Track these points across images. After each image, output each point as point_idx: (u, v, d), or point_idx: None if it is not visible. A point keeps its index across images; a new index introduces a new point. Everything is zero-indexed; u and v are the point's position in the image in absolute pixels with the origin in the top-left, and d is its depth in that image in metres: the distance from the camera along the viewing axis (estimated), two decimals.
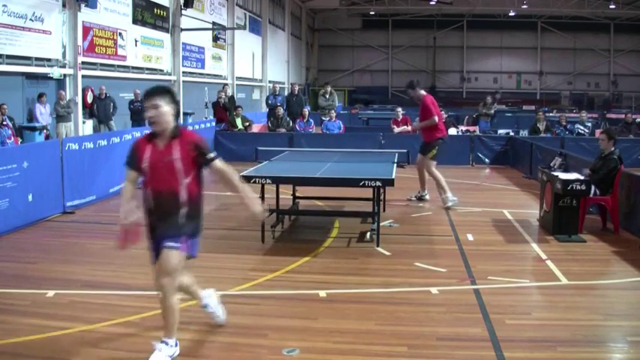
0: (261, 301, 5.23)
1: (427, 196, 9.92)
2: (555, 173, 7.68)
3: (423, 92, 9.75)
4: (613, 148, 7.88)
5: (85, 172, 9.19)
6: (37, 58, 14.54)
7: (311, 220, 8.48)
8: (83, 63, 16.02)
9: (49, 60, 15.00)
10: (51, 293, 5.33)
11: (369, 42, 44.05)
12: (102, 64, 17.41)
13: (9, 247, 6.93)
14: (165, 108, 3.99)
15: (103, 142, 9.81)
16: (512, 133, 16.67)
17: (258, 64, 31.94)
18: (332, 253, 6.83)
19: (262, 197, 7.10)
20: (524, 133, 16.62)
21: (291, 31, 37.63)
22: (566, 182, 7.21)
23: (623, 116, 18.75)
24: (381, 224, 7.45)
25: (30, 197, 7.86)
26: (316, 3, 40.19)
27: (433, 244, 7.29)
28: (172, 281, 3.98)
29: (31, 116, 13.91)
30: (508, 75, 43.74)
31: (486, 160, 14.88)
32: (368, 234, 7.43)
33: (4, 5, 13.15)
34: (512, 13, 39.32)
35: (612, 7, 36.17)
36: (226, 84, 22.52)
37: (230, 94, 18.42)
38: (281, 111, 16.19)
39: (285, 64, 36.57)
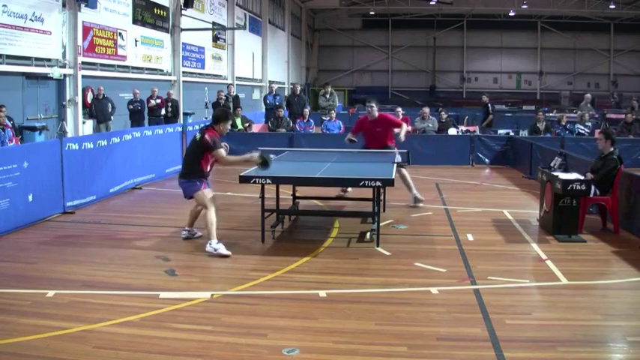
0: (261, 301, 5.23)
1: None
2: (555, 173, 7.68)
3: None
4: (612, 149, 7.88)
5: (85, 172, 9.19)
6: (37, 58, 14.54)
7: (311, 220, 8.48)
8: (83, 63, 16.02)
9: (49, 60, 15.00)
10: (51, 293, 5.33)
11: (369, 42, 44.04)
12: (102, 64, 17.41)
13: (9, 247, 6.93)
14: None
15: (103, 142, 9.81)
16: (512, 133, 16.67)
17: (258, 64, 31.94)
18: (332, 253, 6.83)
19: (262, 197, 7.10)
20: (524, 133, 16.62)
21: (291, 31, 37.62)
22: (566, 182, 7.21)
23: (623, 116, 18.74)
24: (384, 224, 7.48)
25: (30, 197, 7.86)
26: (316, 3, 40.17)
27: (433, 244, 7.30)
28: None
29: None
30: (508, 75, 43.73)
31: (486, 160, 14.88)
32: (368, 234, 7.43)
33: (4, 5, 13.15)
34: (512, 13, 39.31)
35: (612, 7, 36.15)
36: (231, 84, 22.53)
37: (235, 93, 18.41)
38: (282, 112, 16.18)
39: (285, 64, 36.56)
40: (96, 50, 16.91)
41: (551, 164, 8.28)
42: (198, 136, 6.78)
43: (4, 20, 13.23)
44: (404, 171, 9.35)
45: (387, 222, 8.18)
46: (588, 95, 18.96)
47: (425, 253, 6.83)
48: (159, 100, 17.10)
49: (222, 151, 6.75)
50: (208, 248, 6.54)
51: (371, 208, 7.37)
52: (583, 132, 15.81)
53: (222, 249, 6.51)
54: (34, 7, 14.15)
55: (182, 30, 21.83)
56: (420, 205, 9.41)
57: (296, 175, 7.64)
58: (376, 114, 9.43)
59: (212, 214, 6.62)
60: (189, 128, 13.49)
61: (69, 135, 14.92)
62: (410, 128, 15.65)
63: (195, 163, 6.78)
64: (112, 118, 16.00)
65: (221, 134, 6.87)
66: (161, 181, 11.70)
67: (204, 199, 6.73)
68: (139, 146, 11.02)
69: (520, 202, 10.09)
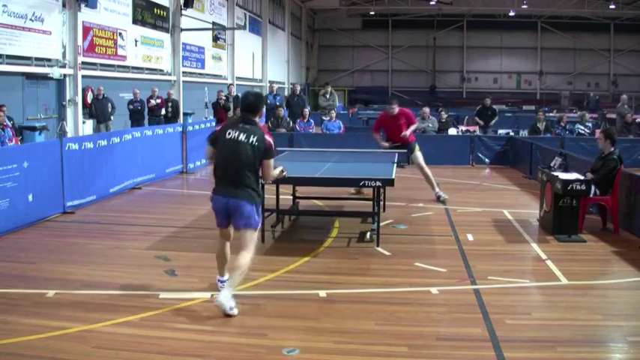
0: (261, 301, 5.23)
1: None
2: (555, 173, 7.68)
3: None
4: (612, 149, 7.87)
5: (85, 172, 9.19)
6: (37, 58, 14.55)
7: (311, 220, 8.47)
8: (83, 63, 16.03)
9: (49, 60, 15.01)
10: (51, 293, 5.33)
11: (369, 42, 44.05)
12: (102, 64, 17.41)
13: (9, 247, 6.93)
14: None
15: (103, 142, 9.81)
16: (512, 133, 16.66)
17: (258, 64, 31.95)
18: (332, 253, 6.83)
19: (262, 197, 7.08)
20: (524, 133, 16.62)
21: (291, 31, 37.63)
22: (566, 182, 7.21)
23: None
24: (384, 224, 7.49)
25: (30, 197, 7.86)
26: (316, 3, 40.19)
27: (433, 244, 7.29)
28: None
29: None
30: (508, 75, 43.74)
31: (486, 160, 14.88)
32: (368, 234, 7.43)
33: (4, 5, 13.16)
34: (512, 13, 39.33)
35: (612, 7, 36.18)
36: (232, 84, 22.54)
37: (235, 93, 18.42)
38: (282, 112, 16.17)
39: (285, 64, 36.57)
40: (96, 50, 16.91)
41: (551, 164, 8.28)
42: (253, 139, 4.93)
43: (4, 20, 13.24)
44: (427, 169, 9.92)
45: (387, 222, 8.18)
46: (624, 96, 18.71)
47: (425, 253, 6.83)
48: (159, 100, 17.11)
49: (272, 163, 5.17)
50: (224, 301, 4.79)
51: (371, 208, 7.37)
52: (583, 132, 15.81)
53: (235, 310, 4.85)
54: (34, 7, 14.15)
55: (182, 30, 21.84)
56: (442, 200, 9.79)
57: (296, 175, 7.62)
58: (396, 110, 9.90)
59: (250, 260, 5.02)
60: (190, 128, 13.49)
61: (69, 135, 14.92)
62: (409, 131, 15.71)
63: (258, 180, 5.09)
64: (112, 118, 16.01)
65: None
66: (161, 181, 11.70)
67: (254, 240, 5.06)
68: (139, 146, 11.02)
69: (520, 202, 10.08)
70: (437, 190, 9.97)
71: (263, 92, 28.36)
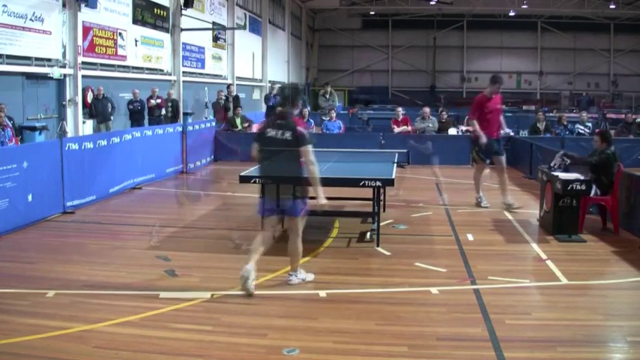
0: (261, 301, 5.23)
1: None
2: (555, 173, 7.68)
3: (486, 90, 9.23)
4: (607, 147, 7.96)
5: (85, 172, 9.18)
6: (37, 58, 14.52)
7: (311, 220, 8.43)
8: (83, 63, 16.00)
9: (49, 60, 14.98)
10: (51, 293, 5.33)
11: (369, 42, 44.01)
12: (102, 64, 17.40)
13: (9, 247, 6.93)
14: None
15: (103, 142, 9.81)
16: (512, 133, 16.65)
17: (258, 64, 31.91)
18: (332, 253, 6.84)
19: (262, 197, 7.08)
20: (524, 133, 16.61)
21: (291, 31, 37.61)
22: (566, 182, 7.22)
23: (623, 116, 18.74)
24: (384, 224, 7.47)
25: (30, 197, 7.85)
26: (316, 3, 40.15)
27: (433, 244, 7.30)
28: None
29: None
30: (508, 75, 43.55)
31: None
32: (368, 234, 7.43)
33: (4, 5, 13.14)
34: (512, 13, 39.27)
35: (612, 7, 36.13)
36: (231, 84, 22.51)
37: (235, 93, 18.41)
38: None
39: (285, 64, 36.54)
40: (96, 50, 16.90)
41: (552, 164, 8.28)
42: (286, 134, 5.43)
43: (4, 20, 13.22)
44: (505, 175, 9.59)
45: (387, 222, 8.18)
46: None
47: (425, 253, 6.83)
48: (159, 100, 17.11)
49: (311, 148, 5.48)
50: (295, 280, 5.70)
51: (371, 208, 7.37)
52: (583, 132, 15.81)
53: (309, 276, 5.80)
54: (34, 7, 14.13)
55: (182, 30, 21.81)
56: (514, 210, 9.17)
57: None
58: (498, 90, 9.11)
59: (299, 243, 5.75)
60: (190, 128, 13.48)
61: (69, 135, 14.91)
62: (410, 128, 15.74)
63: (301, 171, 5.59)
64: (112, 118, 16.01)
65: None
66: (161, 181, 11.70)
67: (298, 227, 5.76)
68: (139, 146, 11.01)
69: (520, 202, 10.07)
70: (480, 193, 9.70)
71: (263, 92, 28.39)
